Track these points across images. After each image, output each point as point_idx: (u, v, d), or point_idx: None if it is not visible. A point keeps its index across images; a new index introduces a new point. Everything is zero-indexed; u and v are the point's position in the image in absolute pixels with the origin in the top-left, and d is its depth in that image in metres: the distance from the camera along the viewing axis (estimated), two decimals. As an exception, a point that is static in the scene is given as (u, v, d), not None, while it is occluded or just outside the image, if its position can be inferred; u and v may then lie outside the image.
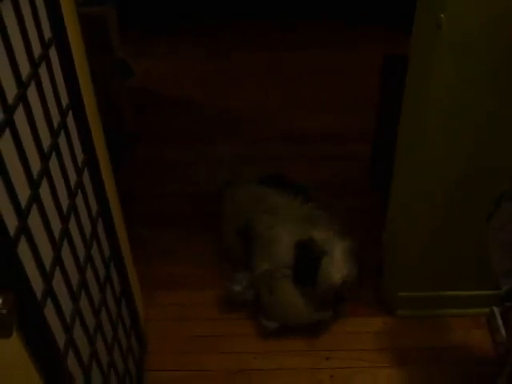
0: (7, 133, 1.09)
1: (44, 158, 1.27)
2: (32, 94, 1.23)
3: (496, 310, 2.37)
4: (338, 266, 2.29)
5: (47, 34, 1.33)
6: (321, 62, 4.22)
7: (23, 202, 1.15)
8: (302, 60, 4.25)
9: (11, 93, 1.12)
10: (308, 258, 2.31)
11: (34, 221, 1.21)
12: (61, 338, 1.35)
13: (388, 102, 2.73)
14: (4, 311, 0.89)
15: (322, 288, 2.31)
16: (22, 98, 1.16)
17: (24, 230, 1.13)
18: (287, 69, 4.18)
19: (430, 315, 2.46)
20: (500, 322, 2.34)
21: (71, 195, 1.46)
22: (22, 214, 1.12)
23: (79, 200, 1.55)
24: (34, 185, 1.21)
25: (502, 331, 2.31)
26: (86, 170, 1.61)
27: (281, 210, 2.56)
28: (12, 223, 1.08)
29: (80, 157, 1.56)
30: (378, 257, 2.58)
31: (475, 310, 2.45)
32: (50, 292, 1.27)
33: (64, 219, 1.40)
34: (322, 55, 4.28)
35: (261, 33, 4.58)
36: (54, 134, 1.35)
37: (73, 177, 1.50)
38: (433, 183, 2.08)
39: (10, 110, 1.09)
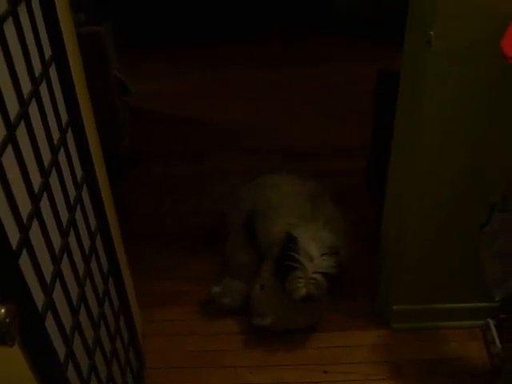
0: (9, 149, 1.12)
1: (44, 173, 1.30)
2: (33, 111, 1.26)
3: (491, 321, 2.39)
4: (308, 283, 2.24)
5: (47, 52, 1.37)
6: (317, 76, 4.27)
7: (25, 216, 1.17)
8: (300, 75, 4.30)
9: (13, 110, 1.15)
10: (284, 259, 2.27)
11: (35, 235, 1.23)
12: (61, 351, 1.37)
13: (382, 115, 2.78)
14: (7, 320, 0.91)
15: (288, 292, 2.29)
16: (23, 115, 1.19)
17: (26, 243, 1.15)
18: (284, 84, 4.23)
19: (425, 328, 2.48)
20: (495, 333, 2.36)
21: (70, 210, 1.49)
22: (23, 228, 1.15)
23: (78, 215, 1.58)
24: (35, 199, 1.23)
25: (497, 343, 2.33)
26: (84, 185, 1.64)
27: (281, 185, 2.59)
28: (14, 236, 1.11)
29: (79, 173, 1.59)
30: (373, 270, 2.61)
31: (470, 322, 2.47)
32: (50, 305, 1.29)
33: (64, 233, 1.42)
34: (319, 70, 4.33)
35: (259, 48, 4.63)
36: (54, 151, 1.38)
37: (72, 192, 1.52)
38: (426, 197, 2.12)
39: (12, 127, 1.12)
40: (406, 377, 2.33)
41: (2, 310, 0.92)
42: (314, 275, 2.23)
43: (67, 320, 1.44)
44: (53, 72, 1.42)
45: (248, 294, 2.53)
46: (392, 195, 2.29)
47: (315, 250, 2.25)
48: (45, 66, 1.34)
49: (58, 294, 1.37)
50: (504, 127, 1.93)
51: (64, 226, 1.43)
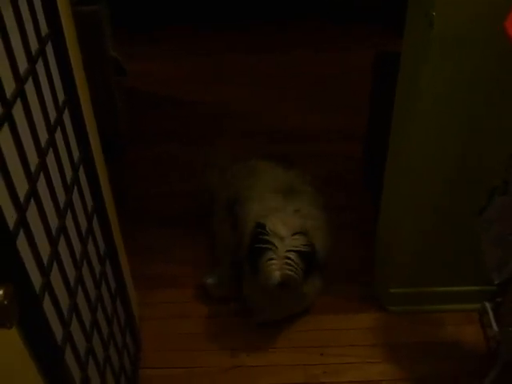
0: (6, 128, 1.09)
1: (41, 153, 1.28)
2: (29, 89, 1.24)
3: (488, 305, 2.39)
4: (282, 265, 2.13)
5: (44, 29, 1.34)
6: (312, 61, 4.24)
7: (22, 197, 1.15)
8: (294, 60, 4.26)
9: (9, 88, 1.12)
10: (254, 245, 2.19)
11: (32, 216, 1.21)
12: (58, 334, 1.36)
13: (379, 99, 2.75)
14: (5, 302, 0.89)
15: (262, 280, 2.18)
16: (20, 93, 1.17)
17: (23, 223, 1.14)
18: (280, 69, 4.19)
19: (422, 311, 2.48)
20: (492, 317, 2.36)
21: (67, 191, 1.47)
22: (20, 208, 1.13)
23: (75, 197, 1.56)
24: (32, 179, 1.21)
25: (494, 326, 2.33)
26: (81, 166, 1.62)
27: (262, 174, 2.53)
28: (11, 217, 1.09)
29: (75, 153, 1.57)
30: (370, 253, 2.60)
31: (467, 305, 2.47)
32: (48, 286, 1.28)
33: (61, 214, 1.40)
34: (313, 55, 4.30)
35: (254, 34, 4.58)
36: (51, 130, 1.36)
37: (69, 173, 1.50)
38: (425, 180, 2.11)
39: (8, 105, 1.10)
40: (402, 359, 2.34)
41: (0, 292, 0.90)
42: (288, 254, 2.12)
43: (64, 302, 1.42)
44: (49, 51, 1.39)
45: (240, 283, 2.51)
46: (390, 178, 2.28)
47: (285, 230, 2.17)
48: (41, 43, 1.31)
49: (55, 275, 1.35)
50: (504, 110, 1.91)
51: (61, 207, 1.41)
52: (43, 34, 1.34)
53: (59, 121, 1.43)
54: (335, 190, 2.66)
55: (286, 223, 2.21)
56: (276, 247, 2.14)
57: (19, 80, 1.17)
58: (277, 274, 2.12)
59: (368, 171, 3.08)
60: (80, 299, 1.56)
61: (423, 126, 1.96)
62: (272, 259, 2.13)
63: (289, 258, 2.12)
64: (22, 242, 1.14)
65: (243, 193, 2.48)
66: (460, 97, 1.88)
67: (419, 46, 1.82)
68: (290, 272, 2.13)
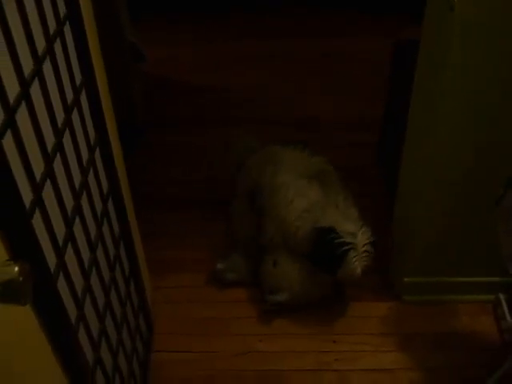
0: (23, 107, 1.10)
1: (58, 133, 1.28)
2: (47, 70, 1.24)
3: (502, 296, 2.38)
4: (361, 258, 2.26)
5: (62, 10, 1.34)
6: (330, 49, 4.21)
7: (38, 176, 1.16)
8: (311, 47, 4.24)
9: (27, 68, 1.12)
10: (332, 250, 2.25)
11: (48, 196, 1.22)
12: (72, 314, 1.37)
13: (398, 87, 2.73)
14: (21, 279, 0.90)
15: (342, 278, 2.33)
16: (37, 72, 1.17)
17: (38, 202, 1.14)
18: (298, 56, 4.17)
19: (437, 301, 2.47)
20: (506, 308, 2.35)
21: (83, 172, 1.47)
22: (36, 188, 1.13)
23: (91, 178, 1.56)
24: (49, 159, 1.22)
25: (508, 318, 2.32)
26: (97, 148, 1.62)
27: (286, 160, 2.56)
28: (27, 196, 1.10)
29: (92, 135, 1.57)
30: (386, 242, 2.59)
31: (482, 296, 2.46)
32: (62, 266, 1.28)
33: (76, 195, 1.41)
34: (330, 42, 4.27)
35: (273, 19, 4.56)
36: (68, 110, 1.36)
37: (85, 155, 1.51)
38: (443, 169, 2.09)
39: (26, 84, 1.10)
40: (415, 349, 2.33)
41: (16, 269, 0.91)
42: (365, 248, 2.25)
43: (79, 283, 1.43)
44: (67, 32, 1.39)
45: (255, 269, 2.53)
46: (407, 168, 2.26)
47: (353, 227, 2.28)
48: (60, 23, 1.31)
49: (70, 256, 1.36)
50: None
51: (77, 188, 1.41)
52: (61, 14, 1.33)
53: (76, 102, 1.43)
54: (350, 178, 2.64)
55: (346, 216, 2.33)
56: (356, 245, 2.25)
57: (37, 60, 1.17)
58: (358, 270, 2.26)
59: (383, 159, 3.06)
60: (94, 281, 1.56)
61: (442, 113, 1.94)
62: (355, 256, 2.24)
63: (367, 251, 2.27)
64: (37, 222, 1.15)
65: (268, 180, 2.49)
66: (481, 83, 1.86)
67: (440, 31, 1.80)
68: (366, 263, 2.27)
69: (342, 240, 2.23)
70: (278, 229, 2.42)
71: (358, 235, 2.25)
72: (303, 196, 2.41)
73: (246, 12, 4.60)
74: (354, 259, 2.23)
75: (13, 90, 1.05)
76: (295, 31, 4.46)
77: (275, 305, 2.42)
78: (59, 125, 1.30)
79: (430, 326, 2.41)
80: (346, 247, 2.23)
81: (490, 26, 1.73)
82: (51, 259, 1.22)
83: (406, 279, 2.44)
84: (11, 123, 1.03)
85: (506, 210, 1.76)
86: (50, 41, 1.25)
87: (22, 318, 1.10)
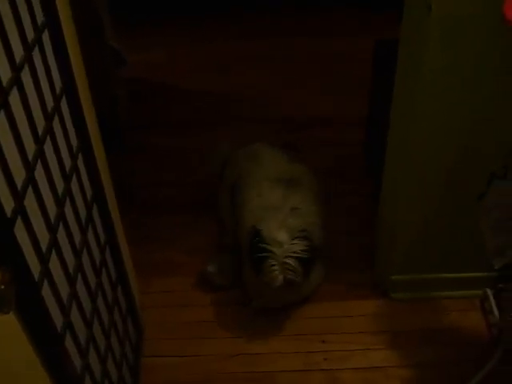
0: (2, 115, 1.10)
1: (38, 141, 1.28)
2: (26, 78, 1.24)
3: (489, 291, 2.39)
4: (283, 270, 2.18)
5: (39, 18, 1.34)
6: (318, 48, 4.20)
7: (19, 184, 1.16)
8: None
9: (5, 76, 1.12)
10: (252, 253, 2.23)
11: (30, 203, 1.22)
12: (58, 321, 1.36)
13: (380, 86, 2.74)
14: (2, 287, 0.90)
15: (267, 284, 2.22)
16: (16, 80, 1.17)
17: (20, 210, 1.14)
18: (284, 55, 4.16)
19: (424, 297, 2.48)
20: (493, 303, 2.36)
21: (66, 179, 1.47)
22: (18, 195, 1.13)
23: (74, 185, 1.56)
24: (30, 167, 1.22)
25: (496, 313, 2.33)
26: (80, 155, 1.62)
27: (266, 161, 2.54)
28: (9, 204, 1.09)
29: (74, 142, 1.57)
30: (372, 240, 2.60)
31: (470, 291, 2.46)
32: (46, 273, 1.28)
33: (59, 202, 1.41)
34: (319, 42, 4.26)
35: (259, 20, 4.55)
36: (48, 118, 1.36)
37: (67, 162, 1.50)
38: (426, 166, 2.10)
39: (4, 93, 1.10)
40: (404, 346, 2.34)
41: (-3, 277, 0.91)
42: (286, 260, 2.17)
43: (64, 290, 1.43)
44: (46, 40, 1.39)
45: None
46: (391, 165, 2.27)
47: (284, 236, 2.20)
48: (38, 31, 1.31)
49: (54, 263, 1.36)
50: (506, 95, 1.90)
51: (60, 195, 1.41)
52: (39, 21, 1.33)
53: (56, 108, 1.43)
54: (336, 177, 2.65)
55: (284, 225, 2.24)
56: (275, 254, 2.18)
57: (15, 68, 1.17)
58: (280, 278, 2.18)
59: (369, 158, 3.07)
60: (80, 287, 1.56)
61: (422, 114, 1.95)
62: (273, 265, 2.17)
63: (287, 264, 2.17)
64: (20, 229, 1.14)
65: (242, 177, 2.50)
66: (460, 81, 1.87)
67: (418, 30, 1.81)
68: (290, 276, 2.18)
69: (263, 245, 2.19)
70: (238, 225, 2.43)
71: (284, 245, 2.18)
72: (261, 197, 2.38)
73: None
74: (273, 268, 2.16)
75: (-9, 98, 1.06)
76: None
77: (260, 308, 2.44)
78: (40, 132, 1.29)
79: (418, 322, 2.42)
80: (266, 254, 2.18)
81: (468, 25, 1.74)
82: (35, 266, 1.22)
83: (392, 277, 2.45)
84: (-10, 132, 1.03)
85: (488, 206, 1.77)
86: (28, 49, 1.25)
87: (4, 324, 1.09)
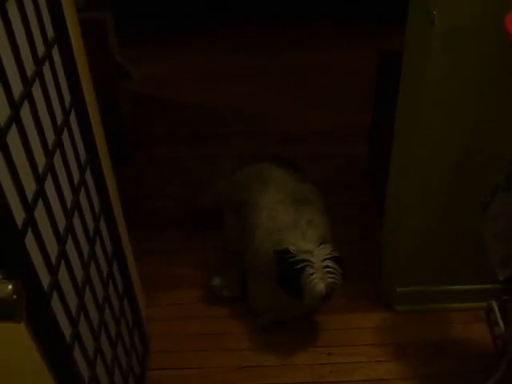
0: (14, 129, 1.12)
1: (49, 154, 1.30)
2: (36, 91, 1.26)
3: (494, 303, 2.39)
4: (323, 275, 2.15)
5: (50, 33, 1.37)
6: (318, 61, 4.24)
7: (30, 196, 1.18)
8: (299, 60, 4.26)
9: (17, 90, 1.15)
10: (289, 269, 2.19)
11: (40, 215, 1.24)
12: (67, 332, 1.38)
13: (385, 98, 2.76)
14: (14, 297, 0.91)
15: (308, 299, 2.20)
16: (27, 95, 1.19)
17: (31, 222, 1.16)
18: (283, 69, 4.20)
19: (429, 309, 2.48)
20: (498, 315, 2.36)
21: (75, 192, 1.49)
22: (28, 207, 1.15)
23: (82, 198, 1.58)
24: (40, 179, 1.24)
25: (501, 324, 2.33)
26: (88, 168, 1.64)
27: (274, 182, 2.51)
28: (20, 216, 1.11)
29: (82, 155, 1.59)
30: (376, 253, 2.61)
31: (475, 304, 2.46)
32: (56, 285, 1.30)
33: (68, 215, 1.43)
34: (319, 55, 4.29)
35: (259, 35, 4.59)
36: (58, 131, 1.38)
37: (76, 175, 1.53)
38: (430, 178, 2.12)
39: (16, 107, 1.12)
40: (409, 359, 2.34)
41: (9, 287, 0.92)
42: (325, 262, 2.15)
43: (73, 301, 1.44)
44: (56, 55, 1.42)
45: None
46: (395, 178, 2.29)
47: (310, 245, 2.20)
48: (48, 46, 1.34)
49: (63, 275, 1.37)
50: (506, 103, 1.92)
51: (68, 207, 1.43)
52: (49, 37, 1.36)
53: (66, 122, 1.45)
54: (339, 189, 2.66)
55: (306, 237, 2.24)
56: (311, 261, 2.16)
57: (26, 83, 1.19)
58: (321, 286, 2.15)
59: (372, 170, 3.09)
60: (88, 299, 1.58)
61: (426, 123, 1.98)
62: (312, 274, 2.15)
63: (327, 267, 2.16)
64: (30, 241, 1.16)
65: (252, 197, 2.47)
66: (462, 91, 1.89)
67: (421, 43, 1.84)
68: (332, 279, 2.16)
69: (296, 258, 2.17)
70: (249, 249, 2.42)
71: (315, 251, 2.17)
72: (273, 219, 2.36)
73: (233, 26, 4.62)
74: (313, 276, 2.14)
75: (3, 112, 1.08)
76: (280, 45, 4.48)
77: (266, 324, 2.45)
78: (50, 145, 1.32)
79: (423, 334, 2.42)
80: (302, 264, 2.15)
81: (468, 35, 1.77)
82: (45, 277, 1.24)
83: (397, 289, 2.45)
84: (2, 145, 1.05)
85: (492, 218, 1.78)
86: (39, 64, 1.27)
87: (15, 334, 1.11)
